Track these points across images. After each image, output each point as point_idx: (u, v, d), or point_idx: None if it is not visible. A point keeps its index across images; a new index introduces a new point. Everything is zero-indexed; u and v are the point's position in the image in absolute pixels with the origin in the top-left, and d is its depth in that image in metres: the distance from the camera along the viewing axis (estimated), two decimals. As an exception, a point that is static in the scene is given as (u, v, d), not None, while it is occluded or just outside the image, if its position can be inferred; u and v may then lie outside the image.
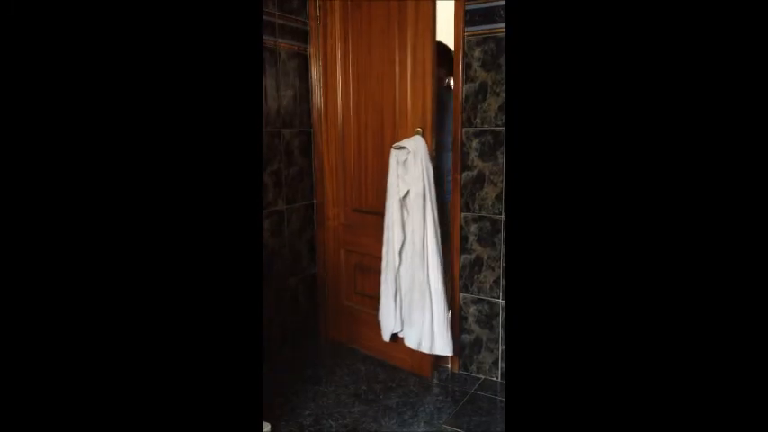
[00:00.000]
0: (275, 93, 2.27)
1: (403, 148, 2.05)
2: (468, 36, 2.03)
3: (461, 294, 2.23)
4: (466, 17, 2.02)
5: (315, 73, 2.43)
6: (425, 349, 2.12)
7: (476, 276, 2.18)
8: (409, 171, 2.05)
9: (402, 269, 2.15)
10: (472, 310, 2.22)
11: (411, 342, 2.16)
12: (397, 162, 2.08)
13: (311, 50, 2.41)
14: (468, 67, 2.05)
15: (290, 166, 2.41)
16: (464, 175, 2.13)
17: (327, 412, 1.96)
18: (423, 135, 2.05)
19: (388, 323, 2.22)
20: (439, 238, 2.07)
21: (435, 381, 2.20)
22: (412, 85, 2.10)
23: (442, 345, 2.09)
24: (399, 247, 2.12)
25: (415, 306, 2.12)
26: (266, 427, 1.83)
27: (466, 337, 2.25)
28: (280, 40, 2.26)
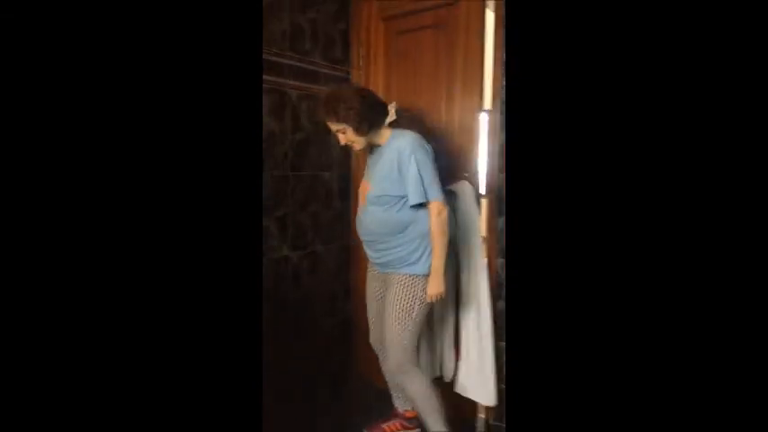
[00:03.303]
0: (317, 138, 2.34)
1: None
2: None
3: (499, 302, 2.16)
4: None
5: (356, 120, 2.50)
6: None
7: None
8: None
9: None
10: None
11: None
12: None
13: (354, 98, 2.50)
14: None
15: (329, 207, 2.45)
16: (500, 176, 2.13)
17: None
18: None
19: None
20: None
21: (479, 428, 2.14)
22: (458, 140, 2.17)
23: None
24: None
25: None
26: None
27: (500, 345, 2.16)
28: (324, 89, 2.35)
